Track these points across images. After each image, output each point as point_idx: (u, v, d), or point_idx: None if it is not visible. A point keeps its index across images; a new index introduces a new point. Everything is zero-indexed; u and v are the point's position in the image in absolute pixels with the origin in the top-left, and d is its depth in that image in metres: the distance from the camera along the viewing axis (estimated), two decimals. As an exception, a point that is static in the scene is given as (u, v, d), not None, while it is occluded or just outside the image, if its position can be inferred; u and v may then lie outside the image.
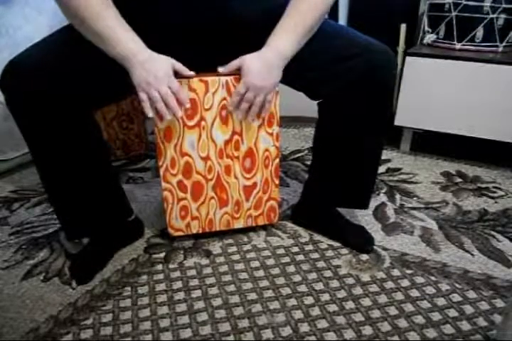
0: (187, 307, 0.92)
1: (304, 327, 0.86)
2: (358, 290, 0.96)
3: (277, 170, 1.06)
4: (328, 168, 1.06)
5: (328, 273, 1.01)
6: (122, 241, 1.12)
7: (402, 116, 1.58)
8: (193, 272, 1.02)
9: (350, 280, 0.99)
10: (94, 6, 0.80)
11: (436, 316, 0.89)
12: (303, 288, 0.97)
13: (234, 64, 0.88)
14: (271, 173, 1.06)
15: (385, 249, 1.10)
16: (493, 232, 1.17)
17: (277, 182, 1.08)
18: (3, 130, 1.42)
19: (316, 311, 0.90)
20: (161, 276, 1.01)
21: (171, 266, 1.05)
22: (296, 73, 0.92)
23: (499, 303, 0.92)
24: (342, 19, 1.78)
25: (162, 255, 1.08)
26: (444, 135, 1.56)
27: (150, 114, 0.86)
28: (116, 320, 0.88)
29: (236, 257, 1.07)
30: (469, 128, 1.50)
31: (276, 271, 1.02)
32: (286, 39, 0.87)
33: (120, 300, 0.94)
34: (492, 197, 1.35)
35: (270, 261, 1.06)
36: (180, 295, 0.95)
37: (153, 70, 0.81)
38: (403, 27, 1.60)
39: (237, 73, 0.89)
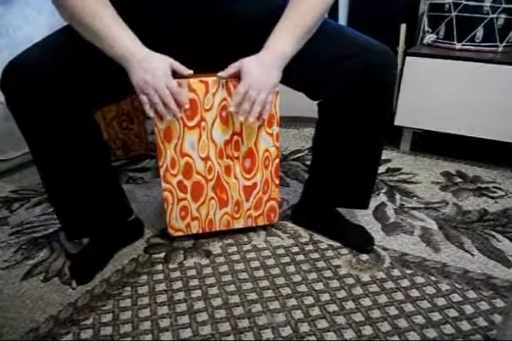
0: (187, 307, 0.92)
1: (304, 327, 0.86)
2: (358, 290, 0.96)
3: (277, 170, 1.06)
4: (328, 168, 1.06)
5: (328, 273, 1.01)
6: (122, 241, 1.12)
7: (402, 116, 1.58)
8: (193, 272, 1.02)
9: (350, 280, 0.99)
10: (91, 5, 0.80)
11: (436, 316, 0.89)
12: (303, 288, 0.97)
13: (233, 68, 0.88)
14: (271, 173, 1.06)
15: (385, 249, 1.10)
16: (493, 232, 1.17)
17: (277, 182, 1.08)
18: (3, 130, 1.42)
19: (316, 311, 0.90)
20: (161, 276, 1.01)
21: (171, 266, 1.05)
22: (296, 73, 0.92)
23: (499, 303, 0.92)
24: (342, 19, 1.78)
25: (162, 255, 1.08)
26: (444, 135, 1.56)
27: (151, 114, 0.87)
28: (116, 320, 0.89)
29: (236, 257, 1.07)
30: (469, 128, 1.50)
31: (276, 271, 1.02)
32: (285, 40, 0.87)
33: (120, 300, 0.94)
34: (492, 197, 1.35)
35: (270, 261, 1.06)
36: (180, 295, 0.95)
37: (150, 69, 0.81)
38: (403, 27, 1.60)
39: (237, 77, 0.89)
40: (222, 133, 0.98)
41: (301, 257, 1.07)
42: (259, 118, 0.93)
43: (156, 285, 0.98)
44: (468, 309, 0.91)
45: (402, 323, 0.87)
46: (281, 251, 1.10)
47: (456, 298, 0.94)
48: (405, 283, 0.98)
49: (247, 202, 1.09)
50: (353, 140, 0.99)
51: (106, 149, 1.03)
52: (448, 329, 0.86)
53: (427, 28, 1.58)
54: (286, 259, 1.06)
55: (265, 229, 1.18)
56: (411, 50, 1.53)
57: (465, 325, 0.86)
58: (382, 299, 0.93)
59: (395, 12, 1.71)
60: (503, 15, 1.42)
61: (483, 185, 1.42)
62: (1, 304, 0.93)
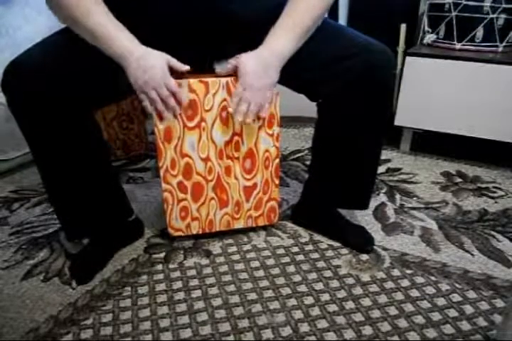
0: (187, 307, 0.92)
1: (304, 327, 0.86)
2: (358, 290, 0.96)
3: (277, 170, 1.06)
4: (327, 168, 1.06)
5: (328, 273, 1.01)
6: (122, 241, 1.12)
7: (402, 116, 1.58)
8: (193, 272, 1.02)
9: (350, 280, 0.99)
10: (85, 4, 0.80)
11: (436, 316, 0.89)
12: (303, 288, 0.97)
13: (230, 63, 0.88)
14: (271, 174, 1.06)
15: (385, 249, 1.10)
16: (493, 232, 1.17)
17: (277, 182, 1.08)
18: (4, 131, 1.42)
19: (316, 311, 0.90)
20: (161, 276, 1.01)
21: (171, 266, 1.05)
22: (295, 73, 0.92)
23: (499, 303, 0.92)
24: (342, 19, 1.78)
25: (162, 255, 1.09)
26: (444, 135, 1.56)
27: (153, 112, 0.88)
28: (116, 320, 0.89)
29: (236, 257, 1.07)
30: (469, 128, 1.50)
31: (276, 271, 1.02)
32: (283, 39, 0.87)
33: (120, 300, 0.94)
34: (492, 197, 1.35)
35: (270, 261, 1.06)
36: (180, 295, 0.95)
37: (148, 66, 0.81)
38: (403, 27, 1.60)
39: (235, 73, 0.89)
40: (222, 133, 0.98)
41: (301, 257, 1.07)
42: (259, 119, 0.93)
43: (156, 285, 0.98)
44: (468, 309, 0.91)
45: (402, 323, 0.87)
46: (281, 251, 1.10)
47: (456, 298, 0.94)
48: (405, 283, 0.98)
49: (247, 202, 1.09)
50: (352, 140, 0.99)
51: (106, 149, 1.03)
52: (448, 329, 0.86)
53: (427, 28, 1.58)
54: (286, 259, 1.06)
55: (265, 229, 1.18)
56: (411, 50, 1.53)
57: (465, 325, 0.86)
58: (382, 299, 0.93)
59: (395, 12, 1.71)
60: (503, 15, 1.42)
61: (483, 185, 1.42)
62: (1, 304, 0.93)
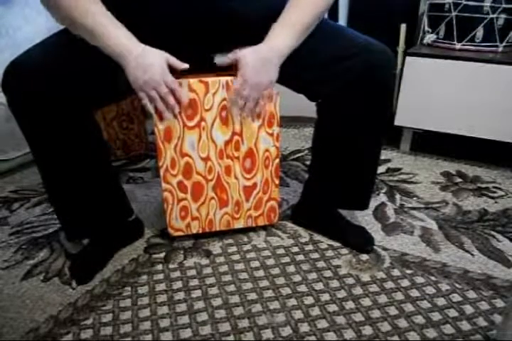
0: (187, 307, 0.92)
1: (304, 327, 0.86)
2: (358, 290, 0.96)
3: (277, 170, 1.06)
4: (327, 168, 1.06)
5: (328, 273, 1.01)
6: (122, 241, 1.12)
7: (402, 116, 1.58)
8: (193, 272, 1.02)
9: (350, 280, 0.99)
10: (84, 4, 0.80)
11: (436, 316, 0.89)
12: (303, 288, 0.97)
13: (230, 57, 0.88)
14: (271, 173, 1.06)
15: (385, 249, 1.10)
16: (493, 232, 1.17)
17: (277, 182, 1.08)
18: (5, 131, 1.42)
19: (316, 311, 0.90)
20: (161, 276, 1.01)
21: (171, 266, 1.05)
22: (296, 73, 0.92)
23: (499, 303, 0.92)
24: (342, 19, 1.78)
25: (162, 255, 1.09)
26: (444, 135, 1.56)
27: (151, 110, 0.88)
28: (116, 320, 0.89)
29: (236, 257, 1.07)
30: (469, 128, 1.50)
31: (276, 271, 1.02)
32: (283, 36, 0.87)
33: (120, 300, 0.94)
34: (492, 197, 1.35)
35: (270, 261, 1.06)
36: (180, 295, 0.95)
37: (147, 64, 0.81)
38: (403, 27, 1.60)
39: (234, 67, 0.89)
40: (222, 133, 0.98)
41: (301, 257, 1.07)
42: (255, 116, 0.93)
43: (156, 285, 0.98)
44: (468, 309, 0.91)
45: (402, 323, 0.87)
46: (281, 251, 1.10)
47: (456, 298, 0.94)
48: (405, 283, 0.98)
49: (247, 202, 1.09)
50: (352, 140, 0.99)
51: (106, 149, 1.03)
52: (448, 329, 0.86)
53: (427, 28, 1.58)
54: (286, 259, 1.06)
55: (265, 229, 1.18)
56: (411, 50, 1.53)
57: (465, 325, 0.86)
58: (382, 299, 0.93)
59: (395, 12, 1.71)
60: (503, 15, 1.42)
61: (483, 185, 1.42)
62: (1, 304, 0.93)
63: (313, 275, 1.01)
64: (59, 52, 0.85)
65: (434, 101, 1.51)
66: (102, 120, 1.52)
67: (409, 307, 0.91)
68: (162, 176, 1.00)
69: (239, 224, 1.12)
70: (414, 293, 0.95)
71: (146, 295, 0.95)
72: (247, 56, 0.86)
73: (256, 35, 0.87)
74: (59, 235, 1.17)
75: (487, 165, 1.56)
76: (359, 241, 1.10)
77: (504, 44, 1.47)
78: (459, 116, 1.50)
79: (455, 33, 1.50)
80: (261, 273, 1.02)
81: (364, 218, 1.23)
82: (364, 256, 1.07)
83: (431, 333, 0.85)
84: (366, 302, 0.93)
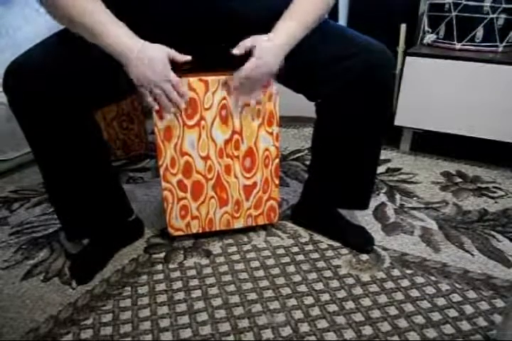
0: (187, 307, 0.92)
1: (304, 327, 0.86)
2: (358, 290, 0.96)
3: (277, 169, 1.06)
4: (327, 167, 1.06)
5: (328, 273, 1.01)
6: (122, 241, 1.12)
7: (402, 116, 1.58)
8: (193, 272, 1.02)
9: (350, 280, 0.99)
10: (82, 3, 0.80)
11: (436, 316, 0.89)
12: (303, 288, 0.97)
13: (246, 44, 0.87)
14: (271, 173, 1.06)
15: (385, 249, 1.10)
16: (493, 232, 1.17)
17: (277, 182, 1.08)
18: (5, 131, 1.43)
19: (316, 311, 0.90)
20: (161, 276, 1.01)
21: (171, 266, 1.05)
22: (295, 73, 0.92)
23: (499, 303, 0.92)
24: (342, 19, 1.78)
25: (162, 255, 1.08)
26: (444, 135, 1.56)
27: (156, 106, 0.89)
28: (116, 320, 0.88)
29: (236, 257, 1.07)
30: (469, 128, 1.50)
31: (276, 271, 1.02)
32: (295, 25, 0.88)
33: (120, 300, 0.94)
34: (492, 197, 1.35)
35: (270, 261, 1.06)
36: (180, 295, 0.95)
37: (148, 59, 0.81)
38: (403, 27, 1.60)
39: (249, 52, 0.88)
40: (222, 132, 0.98)
41: (301, 257, 1.07)
42: (258, 115, 0.94)
43: (156, 285, 0.98)
44: (468, 309, 0.91)
45: (402, 323, 0.87)
46: (281, 251, 1.10)
47: (456, 298, 0.94)
48: (405, 283, 0.98)
49: (247, 201, 1.08)
50: (352, 140, 0.99)
51: (106, 149, 1.03)
52: (448, 329, 0.86)
53: (427, 28, 1.58)
54: (286, 259, 1.06)
55: (265, 229, 1.18)
56: (411, 50, 1.53)
57: (465, 325, 0.86)
58: (382, 299, 0.93)
59: (395, 12, 1.71)
60: (503, 15, 1.42)
61: (483, 185, 1.42)
62: (1, 304, 0.93)
63: (313, 276, 1.01)
64: (59, 52, 0.85)
65: (434, 101, 1.51)
66: (102, 120, 1.52)
67: (409, 307, 0.91)
68: (162, 175, 1.00)
69: (239, 224, 1.12)
70: (414, 293, 0.95)
71: (146, 295, 0.95)
72: (262, 42, 0.86)
73: (256, 35, 0.87)
74: (59, 235, 1.16)
75: (487, 165, 1.56)
76: (359, 241, 1.10)
77: (504, 44, 1.47)
78: (459, 116, 1.50)
79: (455, 33, 1.50)
80: (261, 273, 1.02)
81: (364, 218, 1.23)
82: (364, 256, 1.07)
83: (431, 333, 0.85)
84: (366, 302, 0.93)
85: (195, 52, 0.87)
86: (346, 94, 0.92)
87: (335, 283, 0.98)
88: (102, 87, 0.89)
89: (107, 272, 1.02)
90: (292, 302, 0.93)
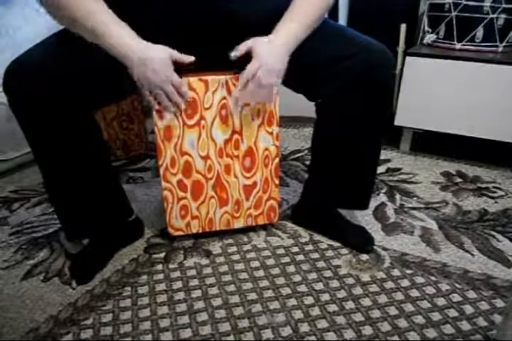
0: (187, 307, 0.92)
1: (304, 327, 0.86)
2: (358, 290, 0.96)
3: (277, 169, 1.06)
4: (327, 167, 1.06)
5: (328, 273, 1.01)
6: (122, 241, 1.12)
7: (402, 116, 1.58)
8: (193, 272, 1.02)
9: (350, 280, 0.99)
10: (84, 2, 0.80)
11: (436, 316, 0.89)
12: (303, 288, 0.97)
13: (244, 46, 0.87)
14: (271, 173, 1.06)
15: (385, 249, 1.10)
16: (493, 232, 1.17)
17: (277, 181, 1.08)
18: (5, 131, 1.43)
19: (316, 311, 0.90)
20: (161, 276, 1.01)
21: (171, 266, 1.05)
22: (295, 73, 0.92)
23: (499, 303, 0.92)
24: (342, 19, 1.78)
25: (162, 255, 1.08)
26: (444, 135, 1.56)
27: (156, 106, 0.89)
28: (116, 320, 0.88)
29: (236, 257, 1.07)
30: (469, 128, 1.50)
31: (276, 271, 1.02)
32: (297, 26, 0.88)
33: (120, 300, 0.94)
34: (492, 197, 1.35)
35: (270, 261, 1.06)
36: (180, 295, 0.95)
37: (150, 60, 0.81)
38: (403, 27, 1.60)
39: (248, 55, 0.88)
40: (222, 131, 0.98)
41: (301, 257, 1.07)
42: (263, 113, 0.93)
43: (156, 285, 0.98)
44: (468, 309, 0.91)
45: (402, 323, 0.87)
46: (281, 251, 1.10)
47: (456, 298, 0.94)
48: (405, 283, 0.98)
49: (247, 201, 1.08)
50: (352, 140, 0.99)
51: (106, 149, 1.03)
52: (448, 329, 0.86)
53: (427, 28, 1.58)
54: (286, 259, 1.06)
55: (265, 229, 1.18)
56: (411, 50, 1.53)
57: (465, 325, 0.86)
58: (382, 299, 0.93)
59: (395, 12, 1.71)
60: (503, 15, 1.42)
61: (483, 185, 1.42)
62: (1, 304, 0.93)
63: (313, 276, 1.00)
64: (59, 52, 0.85)
65: (434, 101, 1.51)
66: (102, 120, 1.52)
67: (409, 307, 0.91)
68: (162, 175, 1.00)
69: (239, 223, 1.12)
70: (414, 293, 0.95)
71: (146, 295, 0.95)
72: (261, 44, 0.86)
73: (256, 36, 0.87)
74: (59, 235, 1.16)
75: (487, 165, 1.56)
76: (359, 241, 1.10)
77: (504, 44, 1.47)
78: (459, 116, 1.50)
79: (455, 33, 1.50)
80: (261, 273, 1.02)
81: (364, 218, 1.23)
82: (364, 256, 1.07)
83: (431, 333, 0.85)
84: (366, 302, 0.93)
85: (196, 52, 0.87)
86: (346, 94, 0.92)
87: (335, 283, 0.98)
88: (102, 87, 0.89)
89: (107, 272, 1.02)
90: (292, 302, 0.93)
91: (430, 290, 0.96)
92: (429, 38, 1.57)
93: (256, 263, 1.05)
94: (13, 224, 1.23)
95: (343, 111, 0.96)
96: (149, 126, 1.62)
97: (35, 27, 1.48)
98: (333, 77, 0.91)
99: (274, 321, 0.88)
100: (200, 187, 1.04)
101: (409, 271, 1.02)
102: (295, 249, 1.10)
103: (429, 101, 1.52)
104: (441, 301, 0.93)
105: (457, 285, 0.97)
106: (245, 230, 1.16)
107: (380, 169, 1.52)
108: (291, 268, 1.03)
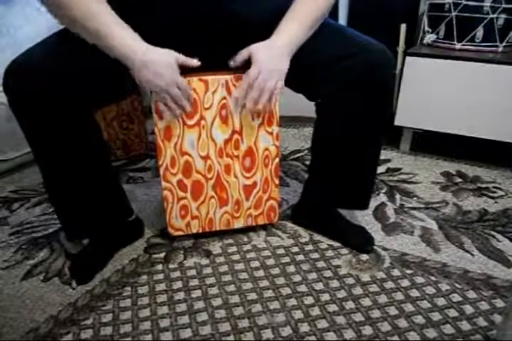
0: (187, 307, 0.92)
1: (304, 327, 0.86)
2: (358, 290, 0.96)
3: (277, 169, 1.06)
4: (327, 167, 1.06)
5: (328, 273, 1.01)
6: (122, 241, 1.12)
7: (402, 116, 1.58)
8: (193, 272, 1.02)
9: (350, 280, 0.99)
10: (86, 3, 0.79)
11: (436, 316, 0.89)
12: (303, 288, 0.97)
13: (242, 55, 0.87)
14: (271, 173, 1.06)
15: (385, 249, 1.10)
16: (493, 232, 1.17)
17: (277, 181, 1.08)
18: (5, 131, 1.43)
19: (316, 311, 0.90)
20: (161, 276, 1.01)
21: (171, 266, 1.05)
22: (295, 73, 0.92)
23: (499, 303, 0.92)
24: (342, 19, 1.78)
25: (162, 255, 1.08)
26: (444, 135, 1.56)
27: (161, 107, 0.89)
28: (116, 320, 0.88)
29: (236, 257, 1.07)
30: (469, 128, 1.50)
31: (276, 271, 1.02)
32: (296, 28, 0.88)
33: (120, 300, 0.94)
34: (492, 197, 1.35)
35: (270, 261, 1.06)
36: (180, 295, 0.95)
37: (150, 61, 0.80)
38: (403, 27, 1.60)
39: (247, 63, 0.88)
40: (222, 131, 0.98)
41: (301, 257, 1.07)
42: (264, 110, 0.93)
43: (156, 285, 0.98)
44: (468, 309, 0.91)
45: (402, 323, 0.87)
46: (281, 251, 1.10)
47: (456, 298, 0.94)
48: (405, 283, 0.98)
49: (247, 201, 1.08)
50: (352, 140, 0.99)
51: (106, 149, 1.03)
52: (448, 329, 0.86)
53: (427, 28, 1.58)
54: (286, 259, 1.06)
55: (265, 229, 1.18)
56: (411, 50, 1.53)
57: (465, 325, 0.86)
58: (382, 299, 0.93)
59: (395, 12, 1.71)
60: (503, 15, 1.42)
61: (483, 185, 1.42)
62: (1, 304, 0.93)
63: (313, 275, 1.01)
64: (59, 52, 0.85)
65: (434, 101, 1.51)
66: (102, 120, 1.52)
67: (409, 307, 0.91)
68: (162, 175, 1.00)
69: (239, 223, 1.12)
70: (414, 293, 0.95)
71: (146, 295, 0.95)
72: (261, 52, 0.86)
73: (259, 37, 0.87)
74: (59, 235, 1.16)
75: (487, 165, 1.56)
76: (359, 241, 1.10)
77: (504, 44, 1.47)
78: (459, 116, 1.50)
79: (455, 33, 1.50)
80: (261, 273, 1.02)
81: (364, 218, 1.23)
82: (364, 256, 1.07)
83: (431, 333, 0.85)
84: (366, 302, 0.93)
85: (198, 53, 0.87)
86: (346, 94, 0.92)
87: (335, 283, 0.98)
88: (102, 87, 0.89)
89: (107, 272, 1.02)
90: (292, 302, 0.93)
91: (430, 290, 0.96)
92: (429, 38, 1.57)
93: (256, 263, 1.05)
94: (13, 224, 1.23)
95: (343, 111, 0.96)
96: (149, 126, 1.62)
97: (36, 26, 1.48)
98: (333, 76, 0.91)
99: (274, 321, 0.88)
100: (200, 187, 1.04)
101: (409, 271, 1.02)
102: (295, 249, 1.10)
103: (429, 101, 1.52)
104: (441, 301, 0.93)
105: (457, 285, 0.97)
106: (245, 230, 1.16)
107: (380, 169, 1.52)
108: (291, 268, 1.03)
